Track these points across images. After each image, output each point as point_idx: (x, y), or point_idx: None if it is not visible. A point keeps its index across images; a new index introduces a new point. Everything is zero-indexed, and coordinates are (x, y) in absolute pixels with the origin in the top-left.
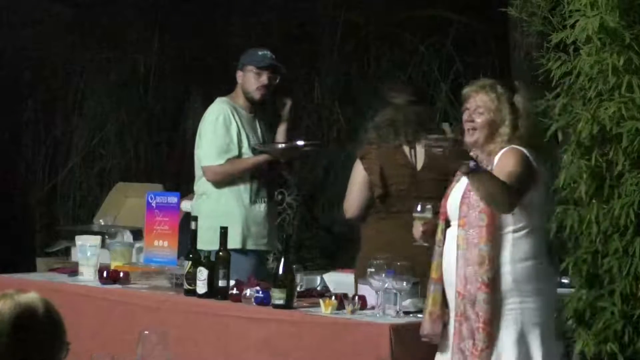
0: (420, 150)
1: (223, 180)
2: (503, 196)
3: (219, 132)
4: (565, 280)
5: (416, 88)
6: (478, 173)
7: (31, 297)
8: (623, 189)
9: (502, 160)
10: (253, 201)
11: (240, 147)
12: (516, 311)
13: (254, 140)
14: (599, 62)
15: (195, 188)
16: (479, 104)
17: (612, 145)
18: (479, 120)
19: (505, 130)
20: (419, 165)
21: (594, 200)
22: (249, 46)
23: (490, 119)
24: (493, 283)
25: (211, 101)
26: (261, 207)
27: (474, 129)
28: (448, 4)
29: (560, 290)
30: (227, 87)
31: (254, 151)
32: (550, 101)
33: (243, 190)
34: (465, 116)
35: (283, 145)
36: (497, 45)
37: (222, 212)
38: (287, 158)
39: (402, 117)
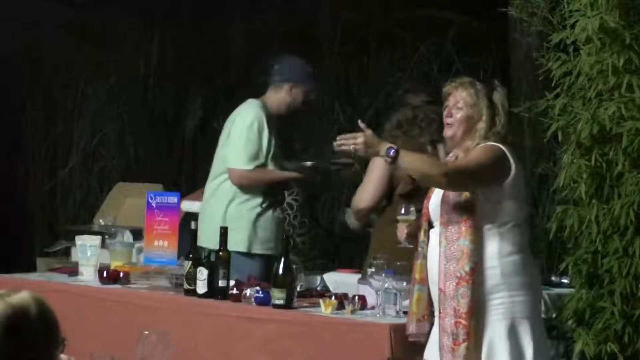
0: (441, 151)
1: (247, 186)
2: (433, 169)
3: (252, 138)
4: (565, 280)
5: (432, 88)
6: (401, 156)
7: (23, 297)
8: (623, 189)
9: (472, 151)
10: (263, 207)
11: (267, 155)
12: (506, 305)
13: (276, 149)
14: (599, 62)
15: (210, 185)
16: (458, 99)
17: (612, 145)
18: (457, 115)
19: (481, 125)
20: None
21: (594, 200)
22: (250, 47)
23: (468, 114)
24: (472, 277)
25: (211, 101)
26: (269, 213)
27: (452, 124)
28: (448, 4)
29: (560, 290)
30: (226, 86)
31: (275, 161)
32: (550, 101)
33: (254, 195)
34: (445, 112)
35: (313, 163)
36: (497, 45)
37: (231, 215)
38: (316, 177)
39: (424, 116)
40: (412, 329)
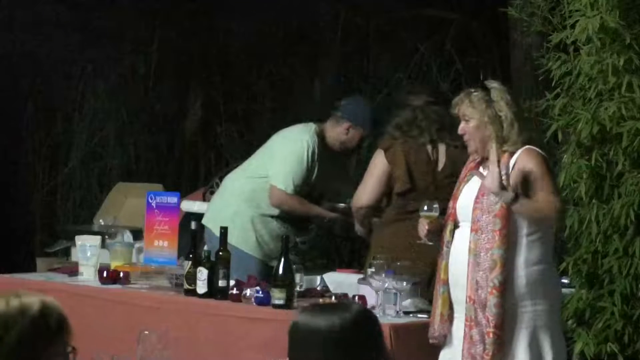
0: (441, 151)
1: (285, 209)
2: (550, 208)
3: (303, 165)
4: (565, 280)
5: (434, 89)
6: (518, 202)
7: (45, 300)
8: (623, 189)
9: (525, 165)
10: (276, 220)
11: (309, 183)
12: (529, 314)
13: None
14: (599, 62)
15: (230, 178)
16: (462, 114)
17: (612, 145)
18: (468, 129)
19: (489, 129)
20: (440, 166)
21: (594, 200)
22: (250, 47)
23: (475, 125)
24: (504, 287)
25: (211, 102)
26: (281, 228)
27: (468, 140)
28: (448, 4)
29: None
30: (226, 86)
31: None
32: (550, 101)
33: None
34: (460, 131)
35: (346, 206)
36: (497, 45)
37: (261, 221)
38: (349, 220)
39: (425, 117)
40: (436, 330)
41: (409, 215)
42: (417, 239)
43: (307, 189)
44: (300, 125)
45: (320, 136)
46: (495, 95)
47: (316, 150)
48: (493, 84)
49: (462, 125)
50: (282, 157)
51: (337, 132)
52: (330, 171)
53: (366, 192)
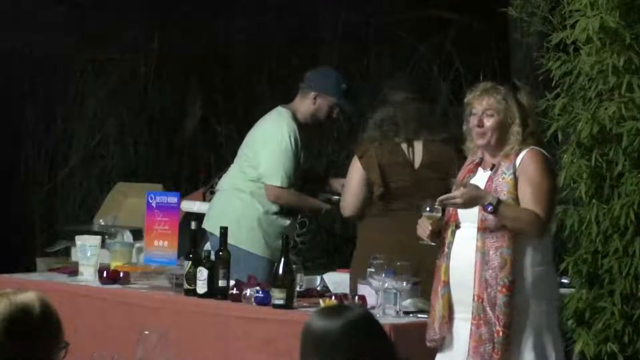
0: (418, 148)
1: (282, 204)
2: (531, 227)
3: (289, 155)
4: (565, 280)
5: (416, 84)
6: (500, 211)
7: (28, 296)
8: (623, 189)
9: (527, 167)
10: (280, 215)
11: (299, 169)
12: (533, 314)
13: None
14: (599, 62)
15: (225, 182)
16: (486, 107)
17: (612, 145)
18: (488, 123)
19: (516, 129)
20: (417, 163)
21: (594, 200)
22: (250, 47)
23: (501, 120)
24: (513, 286)
25: (211, 101)
26: (293, 225)
27: (484, 133)
28: (448, 3)
29: (560, 290)
30: (226, 86)
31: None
32: (550, 101)
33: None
34: (474, 121)
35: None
36: (497, 45)
37: (267, 220)
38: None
39: (403, 114)
40: (437, 332)
41: (392, 213)
42: (419, 240)
43: (299, 176)
44: (273, 114)
45: (294, 118)
46: (524, 98)
47: (298, 135)
48: (524, 87)
49: (481, 117)
50: (268, 154)
51: (306, 104)
52: (310, 152)
53: (348, 202)
